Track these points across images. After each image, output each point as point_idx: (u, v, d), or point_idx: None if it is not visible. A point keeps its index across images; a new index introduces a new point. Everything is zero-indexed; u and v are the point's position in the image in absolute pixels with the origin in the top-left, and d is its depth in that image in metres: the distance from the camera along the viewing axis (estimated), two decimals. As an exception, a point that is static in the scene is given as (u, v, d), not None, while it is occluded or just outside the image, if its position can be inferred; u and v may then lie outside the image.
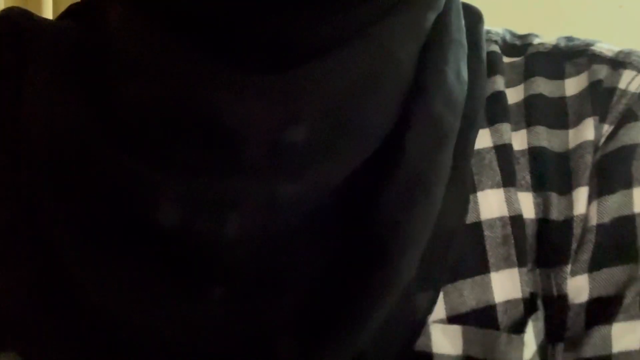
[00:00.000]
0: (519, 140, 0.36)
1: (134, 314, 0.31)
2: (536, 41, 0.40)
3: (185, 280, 0.31)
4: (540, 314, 0.34)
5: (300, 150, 0.31)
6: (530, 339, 0.33)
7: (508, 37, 0.41)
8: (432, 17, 0.35)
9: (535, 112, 0.37)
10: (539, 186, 0.35)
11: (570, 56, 0.39)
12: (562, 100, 0.37)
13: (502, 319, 0.33)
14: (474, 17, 0.39)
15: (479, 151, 0.35)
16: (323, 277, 0.31)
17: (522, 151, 0.36)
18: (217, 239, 0.31)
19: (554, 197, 0.35)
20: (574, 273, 0.34)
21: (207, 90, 0.30)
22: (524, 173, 0.35)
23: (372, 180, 0.32)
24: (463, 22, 0.38)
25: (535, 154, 0.36)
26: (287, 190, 0.31)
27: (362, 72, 0.32)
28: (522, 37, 0.41)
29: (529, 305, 0.34)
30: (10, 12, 0.38)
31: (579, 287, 0.34)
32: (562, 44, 0.39)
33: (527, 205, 0.35)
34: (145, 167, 0.31)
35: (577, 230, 0.34)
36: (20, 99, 0.35)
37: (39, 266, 0.32)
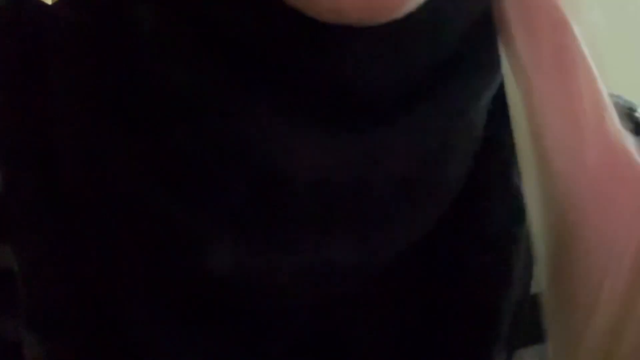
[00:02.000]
0: None
1: None
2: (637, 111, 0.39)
3: (240, 333, 0.30)
4: None
5: (355, 215, 0.30)
6: None
7: None
8: (501, 68, 0.33)
9: None
10: None
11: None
12: None
13: None
14: None
15: None
16: (394, 339, 0.31)
17: None
18: (269, 288, 0.30)
19: None
20: None
21: (263, 138, 0.28)
22: None
23: (447, 250, 0.32)
24: None
25: None
26: (341, 252, 0.30)
27: (433, 136, 0.30)
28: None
29: None
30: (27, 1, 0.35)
31: None
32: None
33: None
34: (188, 213, 0.29)
35: None
36: (47, 109, 0.32)
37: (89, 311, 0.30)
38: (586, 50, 0.29)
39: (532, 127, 0.29)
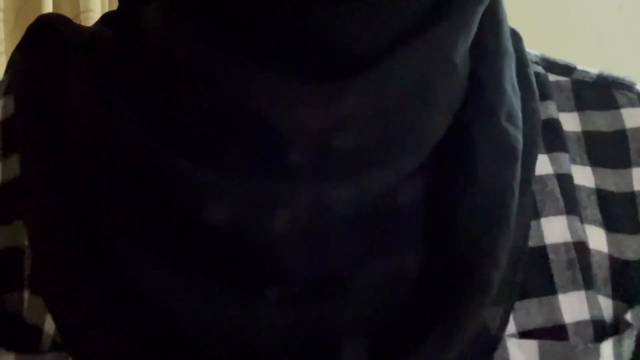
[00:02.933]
0: (585, 177, 0.37)
1: (185, 313, 0.30)
2: (579, 67, 0.40)
3: (236, 280, 0.31)
4: (624, 338, 0.34)
5: (347, 155, 0.31)
6: (608, 354, 0.34)
7: (546, 56, 0.41)
8: (481, 12, 0.35)
9: (598, 151, 0.37)
10: (611, 225, 0.36)
11: (618, 87, 0.39)
12: (622, 133, 0.38)
13: (574, 339, 0.34)
14: (515, 34, 0.39)
15: (541, 177, 0.36)
16: (392, 285, 0.32)
17: (590, 189, 0.37)
18: (266, 237, 0.31)
19: (626, 238, 0.36)
20: None
21: (256, 95, 0.30)
22: (595, 210, 0.36)
23: (438, 192, 0.33)
24: (509, 30, 0.38)
25: (603, 195, 0.37)
26: (336, 193, 0.31)
27: (417, 78, 0.32)
28: (560, 59, 0.41)
29: (599, 327, 0.34)
30: (49, 17, 0.39)
31: None
32: (605, 73, 0.40)
33: (598, 239, 0.36)
34: (191, 167, 0.31)
35: None
36: (62, 103, 0.35)
37: (91, 263, 0.32)
38: None
39: None
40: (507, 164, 0.33)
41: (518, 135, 0.34)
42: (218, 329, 0.30)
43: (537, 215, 0.35)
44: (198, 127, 0.31)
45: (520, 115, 0.35)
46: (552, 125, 0.37)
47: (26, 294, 0.34)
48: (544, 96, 0.38)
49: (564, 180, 0.36)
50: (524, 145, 0.35)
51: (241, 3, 0.31)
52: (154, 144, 0.32)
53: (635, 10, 1.33)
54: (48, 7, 1.06)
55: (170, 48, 0.32)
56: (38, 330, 0.33)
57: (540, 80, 0.39)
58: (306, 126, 0.30)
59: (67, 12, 1.10)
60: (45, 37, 0.38)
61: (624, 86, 0.39)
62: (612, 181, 0.37)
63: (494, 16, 0.36)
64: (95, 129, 0.33)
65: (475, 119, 0.34)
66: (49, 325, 0.33)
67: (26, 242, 0.35)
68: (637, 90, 0.40)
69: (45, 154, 0.34)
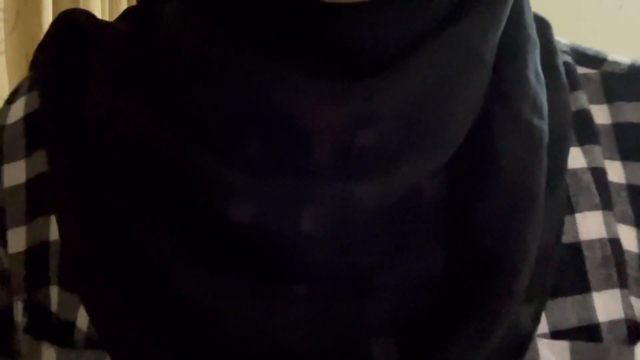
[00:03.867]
0: (615, 172, 0.36)
1: (216, 312, 0.30)
2: (610, 57, 0.39)
3: (264, 278, 0.31)
4: None
5: (371, 153, 0.31)
6: None
7: (576, 46, 0.40)
8: (510, 4, 0.34)
9: (629, 144, 0.36)
10: None
11: None
12: None
13: (607, 337, 0.33)
14: (542, 22, 0.38)
15: (575, 171, 0.35)
16: (418, 282, 0.31)
17: (621, 185, 0.35)
18: (293, 235, 0.30)
19: None
20: None
21: (279, 93, 0.30)
22: (625, 207, 0.35)
23: (463, 185, 0.32)
24: (532, 18, 0.37)
25: (634, 191, 0.35)
26: (361, 191, 0.30)
27: (440, 76, 0.31)
28: (591, 49, 0.40)
29: (633, 327, 0.33)
30: (72, 12, 0.38)
31: None
32: (638, 64, 0.39)
33: (629, 238, 0.35)
34: (215, 162, 0.31)
35: None
36: (84, 100, 0.35)
37: (124, 260, 0.32)
38: None
39: None
40: (531, 154, 0.33)
41: (543, 125, 0.33)
42: (248, 326, 0.30)
43: (572, 211, 0.34)
44: (220, 125, 0.31)
45: (545, 104, 0.34)
46: (584, 117, 0.36)
47: (55, 290, 0.34)
48: (574, 86, 0.37)
49: (598, 174, 0.35)
50: (554, 137, 0.34)
51: (266, 3, 0.31)
52: (177, 140, 0.31)
53: (635, 10, 1.33)
54: (48, 7, 1.06)
55: (193, 46, 0.32)
56: (71, 326, 0.33)
57: (570, 70, 0.37)
58: (330, 125, 0.30)
59: (67, 12, 1.10)
60: (68, 33, 0.37)
61: None
62: None
63: (515, 2, 0.35)
64: (118, 126, 0.33)
65: (497, 110, 0.33)
66: (82, 321, 0.33)
67: (51, 238, 0.35)
68: None
69: (73, 150, 0.34)
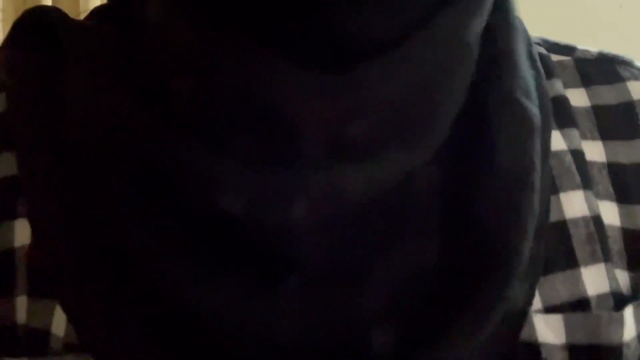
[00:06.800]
0: (595, 151, 0.37)
1: (207, 307, 0.30)
2: (580, 47, 0.41)
3: (257, 271, 0.30)
4: None
5: (361, 143, 0.31)
6: (630, 321, 0.34)
7: (545, 38, 0.41)
8: None
9: (608, 125, 0.38)
10: (623, 197, 0.36)
11: (620, 62, 0.40)
12: (630, 105, 0.38)
13: (597, 311, 0.34)
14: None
15: (557, 152, 0.36)
16: (414, 270, 0.31)
17: (602, 163, 0.37)
18: (283, 226, 0.30)
19: (639, 208, 0.36)
20: None
21: (267, 84, 0.30)
22: (606, 184, 0.36)
23: (457, 172, 0.33)
24: (516, 9, 0.38)
25: (614, 169, 0.37)
26: (351, 181, 0.30)
27: (429, 64, 0.32)
28: (561, 41, 0.42)
29: (618, 299, 0.34)
30: (39, 9, 0.38)
31: None
32: (605, 51, 0.41)
33: (611, 213, 0.36)
34: (203, 152, 0.31)
35: None
36: (56, 99, 0.34)
37: (106, 262, 0.31)
38: None
39: None
40: (526, 137, 0.33)
41: (535, 110, 0.34)
42: (242, 320, 0.30)
43: (556, 191, 0.35)
44: (208, 115, 0.31)
45: (533, 89, 0.35)
46: (560, 102, 0.37)
47: (23, 299, 0.33)
48: (549, 75, 0.38)
49: (577, 156, 0.36)
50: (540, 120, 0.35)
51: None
52: (163, 130, 0.31)
53: (635, 10, 1.33)
54: (48, 7, 1.06)
55: (178, 38, 0.32)
56: (44, 334, 0.32)
57: (544, 60, 0.39)
58: (319, 117, 0.30)
59: (67, 12, 1.10)
60: (36, 32, 0.36)
61: (625, 62, 0.40)
62: (623, 152, 0.37)
63: None
64: (100, 119, 0.32)
65: (491, 95, 0.34)
66: (57, 327, 0.32)
67: (16, 244, 0.34)
68: (637, 65, 0.40)
69: (46, 150, 0.33)
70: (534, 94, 0.35)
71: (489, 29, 0.35)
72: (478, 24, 0.33)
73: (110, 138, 0.32)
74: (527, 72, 0.35)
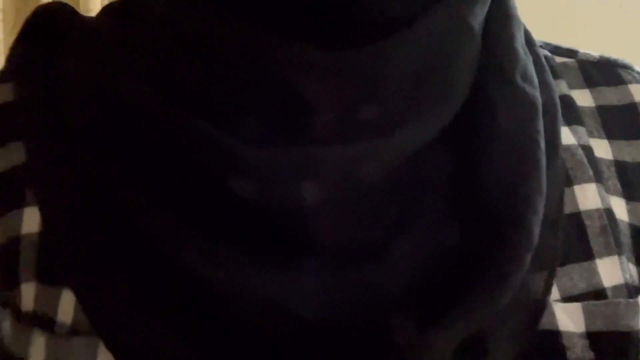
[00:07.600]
0: (602, 149, 0.38)
1: (224, 286, 0.30)
2: (581, 50, 0.42)
3: (273, 251, 0.31)
4: None
5: (372, 122, 0.31)
6: None
7: (548, 42, 0.42)
8: None
9: (612, 123, 0.39)
10: (629, 195, 0.37)
11: (620, 66, 0.41)
12: (632, 106, 0.39)
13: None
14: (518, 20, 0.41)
15: (568, 146, 0.37)
16: (431, 250, 0.32)
17: (609, 161, 0.38)
18: (296, 207, 0.30)
19: None
20: None
21: (280, 64, 0.30)
22: (614, 180, 0.37)
23: (465, 152, 0.33)
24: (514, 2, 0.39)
25: (621, 166, 0.38)
26: (362, 160, 0.31)
27: (438, 44, 0.32)
28: (561, 44, 0.43)
29: (632, 291, 0.35)
30: (50, 6, 0.38)
31: None
32: (606, 55, 0.42)
33: (620, 209, 0.37)
34: (215, 134, 0.30)
35: None
36: (62, 87, 0.34)
37: (117, 247, 0.31)
38: None
39: None
40: (529, 119, 0.34)
41: (536, 93, 0.35)
42: (261, 303, 0.30)
43: (570, 183, 0.36)
44: (219, 96, 0.31)
45: (535, 76, 0.36)
46: (566, 101, 0.38)
47: (31, 286, 0.33)
48: (554, 75, 0.39)
49: (587, 150, 0.37)
50: (544, 110, 0.35)
51: None
52: (172, 110, 0.31)
53: (635, 10, 1.33)
54: (48, 7, 1.06)
55: (187, 21, 0.32)
56: (49, 320, 0.33)
57: (548, 61, 0.40)
58: (334, 94, 0.30)
59: (67, 11, 1.09)
60: (46, 27, 0.37)
61: (625, 65, 0.41)
62: (628, 152, 0.38)
63: None
64: (108, 103, 0.33)
65: (491, 79, 0.35)
66: (64, 313, 0.32)
67: (23, 231, 0.34)
68: (637, 69, 0.41)
69: (53, 139, 0.33)
70: (534, 79, 0.36)
71: (487, 18, 0.35)
72: (480, 11, 0.34)
73: (117, 121, 0.32)
74: (525, 57, 0.36)
